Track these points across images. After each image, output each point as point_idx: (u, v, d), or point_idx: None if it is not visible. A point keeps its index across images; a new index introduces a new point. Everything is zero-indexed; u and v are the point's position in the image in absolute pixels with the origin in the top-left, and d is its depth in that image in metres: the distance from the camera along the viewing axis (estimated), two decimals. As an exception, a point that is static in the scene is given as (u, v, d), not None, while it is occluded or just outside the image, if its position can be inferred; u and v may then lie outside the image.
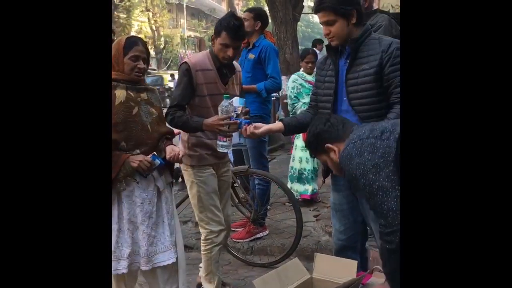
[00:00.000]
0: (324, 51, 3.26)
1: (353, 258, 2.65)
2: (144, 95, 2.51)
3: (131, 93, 2.44)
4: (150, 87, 2.60)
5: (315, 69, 2.75)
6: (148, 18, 31.57)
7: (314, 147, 2.18)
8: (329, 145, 2.08)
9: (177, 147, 2.59)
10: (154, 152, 2.47)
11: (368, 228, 2.76)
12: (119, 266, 2.44)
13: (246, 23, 4.06)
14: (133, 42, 2.43)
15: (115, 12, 25.81)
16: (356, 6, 2.38)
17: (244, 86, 4.14)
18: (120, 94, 2.40)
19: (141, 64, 2.43)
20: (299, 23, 10.25)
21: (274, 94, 8.72)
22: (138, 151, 2.44)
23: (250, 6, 4.64)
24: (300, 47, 9.48)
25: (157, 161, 2.42)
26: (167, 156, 2.49)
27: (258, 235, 4.05)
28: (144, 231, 2.45)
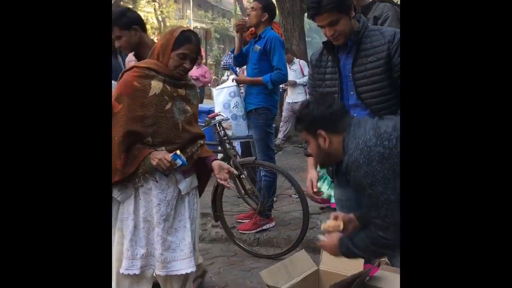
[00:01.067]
0: None
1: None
2: (182, 91, 2.34)
3: (168, 87, 2.28)
4: (190, 83, 2.44)
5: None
6: (154, 9, 31.47)
7: (306, 126, 2.06)
8: (322, 133, 2.01)
9: (225, 164, 2.48)
10: (178, 151, 2.26)
11: None
12: (132, 266, 2.31)
13: (253, 13, 4.04)
14: (186, 38, 2.27)
15: (121, 2, 25.77)
16: None
17: (250, 78, 4.14)
18: (156, 85, 2.24)
19: (188, 64, 2.28)
20: (306, 14, 10.21)
21: (281, 85, 8.74)
22: (163, 148, 2.28)
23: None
24: (307, 39, 9.44)
25: (179, 161, 2.23)
26: (217, 177, 2.40)
27: (264, 227, 4.05)
28: (159, 234, 2.31)
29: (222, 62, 8.96)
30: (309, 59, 2.70)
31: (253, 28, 4.24)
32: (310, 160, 2.61)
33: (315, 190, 2.58)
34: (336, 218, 2.19)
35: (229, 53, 4.53)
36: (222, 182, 2.39)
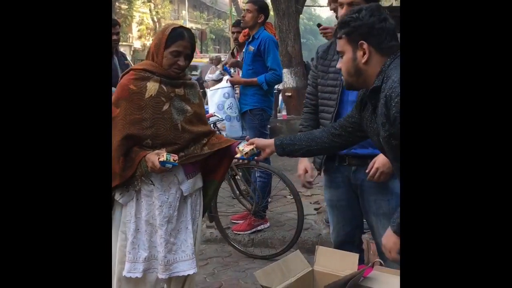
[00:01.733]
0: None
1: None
2: (180, 91, 2.28)
3: (164, 87, 2.23)
4: (189, 82, 2.38)
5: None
6: (150, 9, 31.46)
7: (350, 31, 1.79)
8: (365, 45, 1.76)
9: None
10: (165, 154, 2.12)
11: (364, 220, 2.74)
12: (134, 269, 2.26)
13: (249, 15, 4.05)
14: (178, 35, 2.20)
15: (117, 3, 25.70)
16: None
17: (244, 79, 4.15)
18: (152, 87, 2.20)
19: (182, 61, 2.22)
20: (301, 15, 10.21)
21: (276, 87, 8.76)
22: (163, 149, 2.21)
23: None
24: (302, 40, 9.45)
25: (168, 166, 2.11)
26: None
27: (259, 228, 4.06)
28: (162, 236, 2.26)
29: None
30: (316, 50, 2.63)
31: (246, 30, 4.25)
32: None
33: (311, 179, 2.56)
34: (251, 143, 2.21)
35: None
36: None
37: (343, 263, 2.43)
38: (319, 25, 3.88)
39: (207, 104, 4.40)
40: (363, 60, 1.77)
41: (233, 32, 5.01)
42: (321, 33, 3.54)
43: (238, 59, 4.69)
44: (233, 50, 5.26)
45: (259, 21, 4.07)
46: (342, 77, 2.08)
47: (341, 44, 1.83)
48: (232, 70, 4.68)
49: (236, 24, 4.98)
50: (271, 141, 2.21)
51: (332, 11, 3.73)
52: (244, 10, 4.11)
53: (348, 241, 2.62)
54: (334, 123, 2.20)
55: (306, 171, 2.57)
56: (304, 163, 2.59)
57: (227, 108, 4.09)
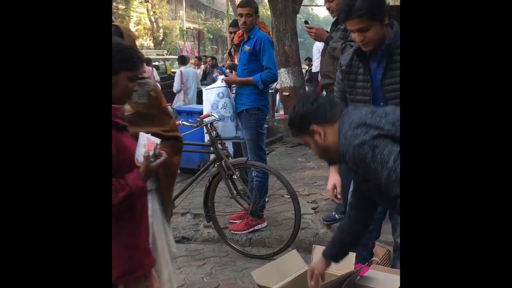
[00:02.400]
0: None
1: (364, 256, 2.62)
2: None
3: None
4: (139, 81, 2.26)
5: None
6: (147, 9, 31.42)
7: (298, 127, 1.98)
8: (315, 127, 1.92)
9: None
10: None
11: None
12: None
13: (249, 19, 4.04)
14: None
15: (114, 3, 25.68)
16: (385, 5, 2.20)
17: (240, 78, 4.14)
18: None
19: None
20: (298, 15, 10.21)
21: (273, 86, 8.75)
22: None
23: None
24: (299, 40, 9.45)
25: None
26: None
27: (256, 227, 4.05)
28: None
29: None
30: (339, 63, 2.55)
31: (241, 31, 4.25)
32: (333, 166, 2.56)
33: (339, 196, 2.52)
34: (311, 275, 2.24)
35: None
36: None
37: (339, 262, 2.43)
38: (306, 22, 3.93)
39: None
40: (322, 140, 1.91)
41: (230, 32, 5.00)
42: (305, 31, 3.60)
43: (236, 62, 4.68)
44: (230, 50, 5.25)
45: (256, 21, 4.08)
46: (368, 90, 2.29)
47: (302, 140, 2.01)
48: (227, 71, 4.67)
49: (234, 24, 4.96)
50: (321, 259, 2.24)
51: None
52: (241, 15, 4.07)
53: (361, 244, 2.56)
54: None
55: (335, 187, 2.52)
56: (334, 179, 2.53)
57: (221, 108, 4.08)
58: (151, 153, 1.70)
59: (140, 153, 1.69)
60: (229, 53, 5.22)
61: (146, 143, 1.72)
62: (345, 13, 2.21)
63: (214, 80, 9.48)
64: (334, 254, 2.22)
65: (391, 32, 2.28)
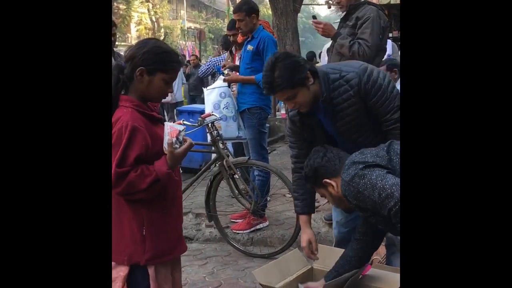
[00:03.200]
0: None
1: None
2: None
3: None
4: None
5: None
6: (148, 9, 31.41)
7: (313, 181, 2.18)
8: (327, 180, 2.10)
9: None
10: None
11: None
12: None
13: (242, 23, 4.05)
14: None
15: (115, 3, 25.68)
16: (306, 66, 2.23)
17: (242, 77, 4.14)
18: None
19: None
20: (299, 14, 10.20)
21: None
22: None
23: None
24: (300, 39, 9.44)
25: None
26: None
27: (258, 226, 4.05)
28: None
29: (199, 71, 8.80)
30: (288, 115, 2.58)
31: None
32: (303, 218, 2.60)
33: (315, 252, 2.53)
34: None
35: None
36: None
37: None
38: (314, 17, 3.90)
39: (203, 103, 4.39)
40: (335, 191, 2.08)
41: (229, 35, 4.99)
42: (313, 25, 3.59)
43: (237, 63, 4.68)
44: (231, 49, 5.25)
45: (254, 22, 4.06)
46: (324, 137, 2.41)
47: (318, 192, 2.24)
48: (226, 71, 4.65)
49: (230, 27, 4.94)
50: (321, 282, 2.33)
51: (329, 9, 3.75)
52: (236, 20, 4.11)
53: (350, 238, 2.60)
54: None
55: (310, 242, 2.53)
56: (308, 234, 2.55)
57: (223, 108, 4.08)
58: (174, 140, 1.78)
59: (165, 141, 1.78)
60: (230, 51, 5.22)
61: (169, 131, 1.79)
62: (268, 90, 2.28)
63: (201, 80, 9.46)
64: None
65: (320, 85, 2.28)
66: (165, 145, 1.79)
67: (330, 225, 3.98)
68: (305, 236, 2.53)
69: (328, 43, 3.99)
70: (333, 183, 2.08)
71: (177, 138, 1.80)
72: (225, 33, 4.92)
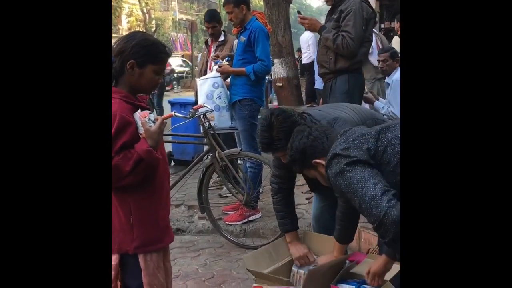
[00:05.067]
0: None
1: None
2: None
3: None
4: None
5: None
6: (139, 1, 31.14)
7: (301, 163, 2.04)
8: (317, 161, 1.98)
9: None
10: None
11: None
12: None
13: (232, 16, 4.04)
14: None
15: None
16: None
17: (233, 68, 4.12)
18: None
19: None
20: (291, 5, 10.17)
21: (267, 77, 8.72)
22: None
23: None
24: (292, 30, 9.42)
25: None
26: None
27: (250, 218, 4.06)
28: None
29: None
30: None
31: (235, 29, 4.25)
32: (294, 235, 2.60)
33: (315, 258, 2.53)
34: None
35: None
36: None
37: (330, 247, 2.47)
38: (299, 12, 3.94)
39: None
40: (324, 170, 1.94)
41: (207, 28, 4.93)
42: (298, 22, 3.63)
43: (212, 53, 4.71)
44: (206, 40, 5.22)
45: (244, 12, 4.04)
46: None
47: (308, 174, 2.11)
48: (225, 61, 4.61)
49: (208, 19, 4.86)
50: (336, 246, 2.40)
51: (321, 1, 3.75)
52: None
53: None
54: None
55: (308, 253, 2.54)
56: (304, 248, 2.55)
57: (216, 98, 4.06)
58: (146, 119, 1.83)
59: (139, 126, 1.83)
60: (205, 42, 5.20)
61: (139, 116, 1.85)
62: (266, 150, 2.37)
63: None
64: (341, 236, 2.38)
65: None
66: (140, 130, 1.83)
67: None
68: (301, 250, 2.53)
69: (306, 35, 4.01)
70: (323, 163, 1.95)
71: (149, 119, 1.84)
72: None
